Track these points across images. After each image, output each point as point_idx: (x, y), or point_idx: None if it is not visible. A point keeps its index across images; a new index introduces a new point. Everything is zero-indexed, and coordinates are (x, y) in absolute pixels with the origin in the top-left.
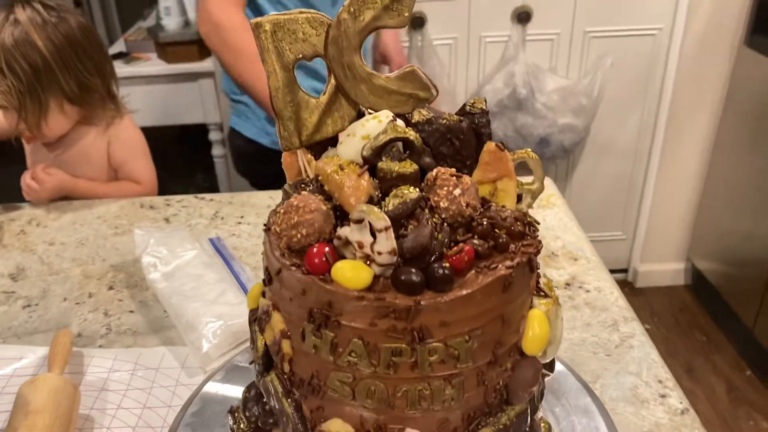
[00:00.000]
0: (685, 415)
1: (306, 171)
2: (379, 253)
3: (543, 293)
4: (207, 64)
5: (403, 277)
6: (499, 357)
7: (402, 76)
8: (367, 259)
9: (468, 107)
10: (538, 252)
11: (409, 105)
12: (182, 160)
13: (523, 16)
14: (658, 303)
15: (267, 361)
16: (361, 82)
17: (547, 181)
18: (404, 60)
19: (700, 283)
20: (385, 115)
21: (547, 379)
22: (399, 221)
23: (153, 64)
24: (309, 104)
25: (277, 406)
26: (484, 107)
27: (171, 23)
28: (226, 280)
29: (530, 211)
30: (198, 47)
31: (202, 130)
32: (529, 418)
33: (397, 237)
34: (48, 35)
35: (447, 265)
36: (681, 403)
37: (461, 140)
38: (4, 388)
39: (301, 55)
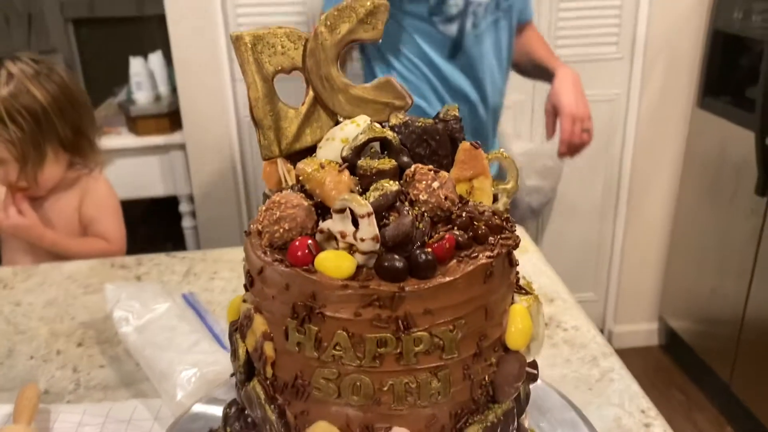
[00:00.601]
0: None
1: (286, 180)
2: (362, 240)
3: (524, 291)
4: (177, 137)
5: (386, 264)
6: (483, 350)
7: (378, 86)
8: (350, 248)
9: (442, 115)
10: (517, 246)
11: (385, 114)
12: (152, 232)
13: None
14: (633, 364)
15: (249, 369)
16: (338, 92)
17: (519, 230)
18: (577, 113)
19: (673, 342)
20: (363, 119)
21: (531, 395)
22: (380, 213)
23: (123, 138)
24: (288, 114)
25: (259, 415)
26: (457, 114)
27: (142, 97)
28: (200, 331)
29: None
30: (169, 120)
31: (172, 202)
32: (516, 420)
33: (379, 228)
34: (42, 84)
35: (429, 251)
36: (664, 429)
37: (437, 141)
38: None
39: (280, 68)
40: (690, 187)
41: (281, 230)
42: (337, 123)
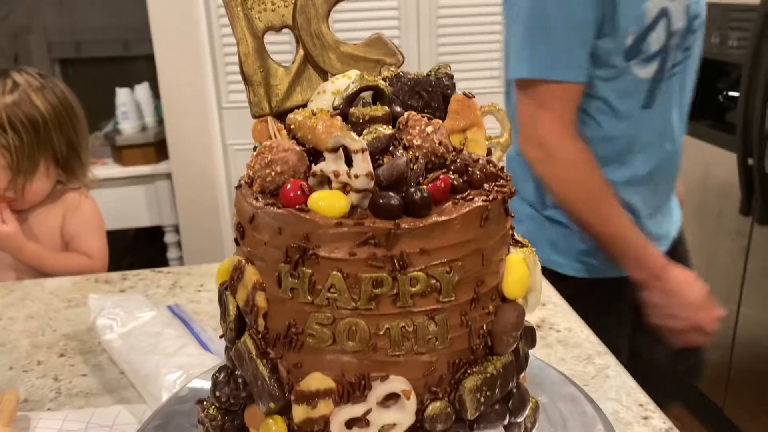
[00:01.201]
0: None
1: (276, 138)
2: (356, 177)
3: (520, 244)
4: (163, 166)
5: (381, 201)
6: (481, 297)
7: (368, 42)
8: (344, 188)
9: (433, 72)
10: (512, 195)
11: (376, 71)
12: (136, 263)
13: None
14: None
15: (239, 326)
16: (329, 50)
17: None
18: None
19: None
20: (354, 73)
21: (529, 372)
22: (374, 157)
23: (108, 168)
24: (278, 73)
25: (250, 372)
26: (449, 72)
27: (128, 127)
28: (185, 337)
29: None
30: (155, 149)
31: (157, 233)
32: (516, 378)
33: (374, 170)
34: (45, 96)
35: (425, 188)
36: (664, 423)
37: (429, 93)
38: None
39: (270, 24)
40: None
41: (273, 173)
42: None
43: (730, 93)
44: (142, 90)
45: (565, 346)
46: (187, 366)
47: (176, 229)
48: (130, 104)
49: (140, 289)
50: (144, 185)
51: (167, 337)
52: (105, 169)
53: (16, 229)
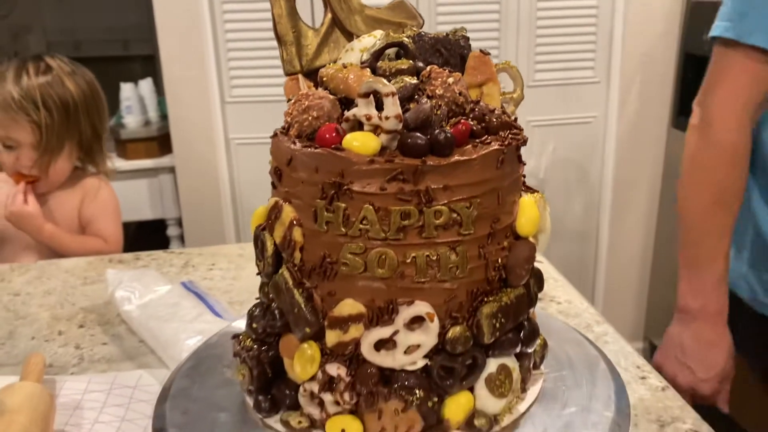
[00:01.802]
0: (667, 391)
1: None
2: (387, 118)
3: (532, 190)
4: (166, 160)
5: (409, 141)
6: (496, 232)
7: (391, 6)
8: (375, 131)
9: (450, 35)
10: (524, 142)
11: (398, 32)
12: None
13: None
14: None
15: (277, 261)
16: (355, 13)
17: None
18: None
19: None
20: (379, 32)
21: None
22: (401, 104)
23: (112, 162)
24: (308, 34)
25: (287, 302)
26: (465, 34)
27: (132, 121)
28: (201, 307)
29: None
30: (158, 143)
31: (159, 226)
32: (527, 309)
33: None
34: (76, 81)
35: (449, 129)
36: (661, 382)
37: (449, 50)
38: None
39: None
40: (669, 206)
41: (310, 118)
42: None
43: None
44: (146, 85)
45: (566, 316)
46: (206, 332)
47: (179, 222)
48: (134, 99)
49: (153, 268)
50: (147, 179)
51: (184, 307)
52: (109, 162)
53: (37, 209)
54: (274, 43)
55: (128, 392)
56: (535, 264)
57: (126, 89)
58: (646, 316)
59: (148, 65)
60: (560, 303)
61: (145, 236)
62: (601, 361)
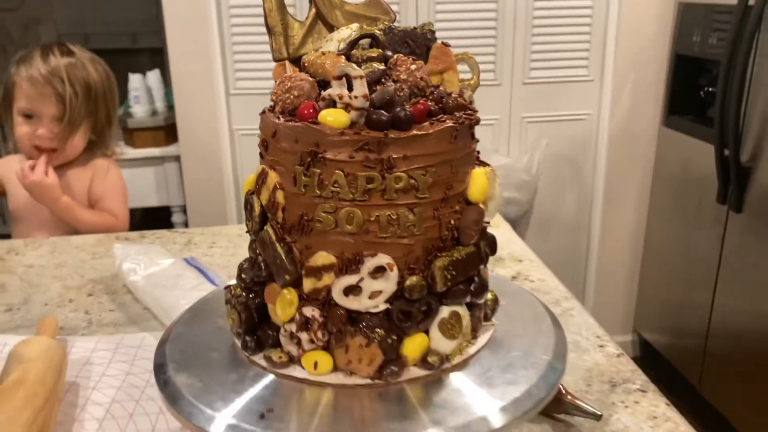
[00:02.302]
0: (621, 357)
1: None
2: (356, 97)
3: (484, 164)
4: (172, 149)
5: (374, 117)
6: (449, 198)
7: (367, 3)
8: (346, 108)
9: (419, 29)
10: (477, 122)
11: (373, 25)
12: None
13: None
14: None
15: (262, 219)
16: (336, 8)
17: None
18: None
19: (647, 353)
20: (355, 25)
21: (492, 283)
22: (370, 86)
23: (120, 149)
24: (294, 26)
25: (271, 255)
26: (432, 29)
27: (139, 111)
28: (202, 279)
29: None
30: (164, 133)
31: (164, 213)
32: (476, 266)
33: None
34: (96, 66)
35: (408, 108)
36: (617, 350)
37: (415, 42)
38: None
39: None
40: (660, 202)
41: (291, 97)
42: None
43: (711, 89)
44: (154, 77)
45: (537, 292)
46: None
47: (183, 210)
48: (141, 89)
49: (157, 245)
50: (153, 166)
51: (185, 277)
52: (117, 148)
53: (56, 180)
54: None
55: (132, 351)
56: (490, 230)
57: (134, 80)
58: (636, 309)
59: (156, 58)
60: (533, 282)
61: (151, 222)
62: (548, 317)
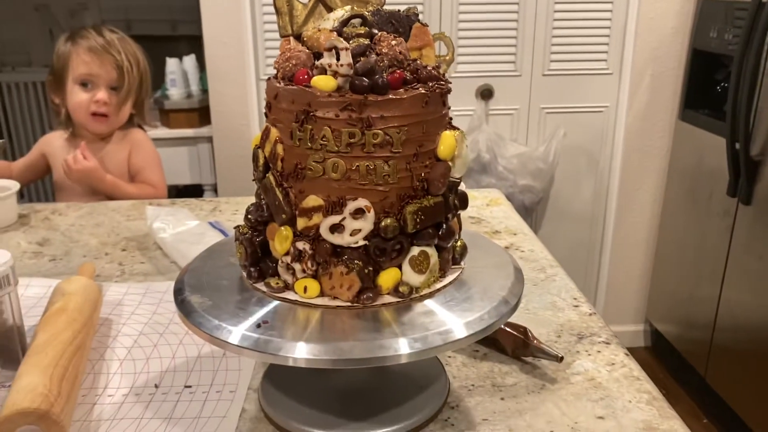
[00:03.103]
0: (593, 316)
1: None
2: (342, 66)
3: (454, 128)
4: (205, 130)
5: (356, 82)
6: (420, 154)
7: None
8: (335, 75)
9: (404, 12)
10: (449, 91)
11: (364, 8)
12: None
13: (485, 94)
14: None
15: (265, 168)
16: None
17: (497, 192)
18: None
19: (658, 342)
20: (348, 7)
21: (472, 240)
22: (355, 58)
23: (156, 130)
24: (298, 7)
25: (271, 197)
26: (416, 12)
27: (175, 93)
28: (223, 238)
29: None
30: (198, 115)
31: (197, 191)
32: (444, 214)
33: (354, 65)
34: (138, 47)
35: (385, 76)
36: (590, 310)
37: (399, 22)
38: (40, 300)
39: None
40: (673, 195)
41: (290, 65)
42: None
43: (726, 84)
44: (189, 61)
45: (526, 261)
46: None
47: (214, 188)
48: (178, 73)
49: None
50: (187, 146)
51: (209, 236)
52: (153, 130)
53: (96, 163)
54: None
55: (159, 296)
56: (461, 188)
57: (171, 63)
58: (648, 299)
59: (194, 44)
60: (524, 252)
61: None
62: (511, 265)
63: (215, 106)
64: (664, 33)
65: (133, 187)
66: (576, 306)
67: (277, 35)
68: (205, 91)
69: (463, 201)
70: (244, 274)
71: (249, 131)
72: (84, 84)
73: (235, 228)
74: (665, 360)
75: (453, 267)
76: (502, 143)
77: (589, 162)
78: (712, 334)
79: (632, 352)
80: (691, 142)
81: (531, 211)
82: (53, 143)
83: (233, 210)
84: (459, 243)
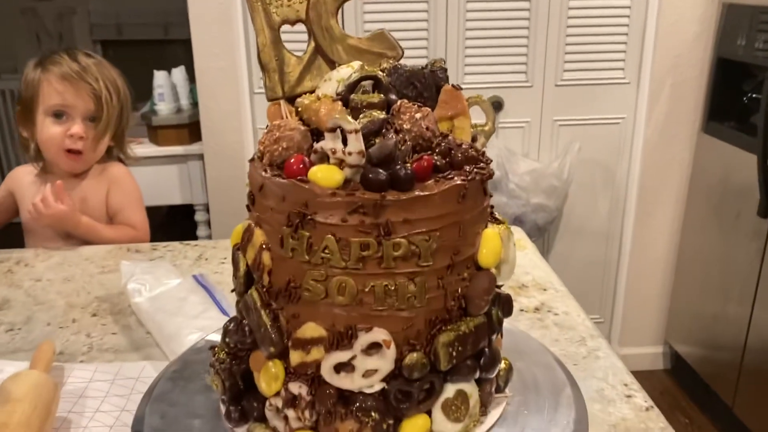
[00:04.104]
0: (650, 411)
1: (287, 119)
2: (350, 154)
3: (497, 221)
4: (196, 147)
5: (370, 176)
6: (456, 264)
7: (372, 37)
8: (340, 164)
9: (429, 66)
10: (490, 176)
11: (378, 63)
12: (168, 240)
13: (495, 106)
14: None
15: (247, 280)
16: (337, 42)
17: (520, 232)
18: None
19: (678, 366)
20: (357, 63)
21: (512, 341)
22: (368, 138)
23: (144, 147)
24: (291, 61)
25: (255, 320)
26: (443, 66)
27: (164, 108)
28: (207, 303)
29: None
30: (188, 131)
31: (188, 211)
32: (488, 337)
33: (366, 149)
34: (117, 73)
35: (409, 166)
36: (646, 401)
37: (423, 84)
38: None
39: (286, 18)
40: (695, 211)
41: (280, 149)
42: None
43: (755, 95)
44: (179, 73)
45: (561, 328)
46: (207, 328)
47: (206, 208)
48: (166, 86)
49: (168, 260)
50: (177, 164)
51: (191, 302)
52: (141, 148)
53: (72, 206)
54: (301, 36)
55: (130, 383)
56: (502, 290)
57: (159, 77)
58: (668, 320)
59: (187, 49)
60: (557, 314)
61: (175, 220)
62: (568, 387)
63: (206, 121)
64: (685, 39)
65: (111, 230)
66: (629, 396)
67: None
68: (195, 105)
69: (508, 308)
70: (222, 410)
71: (242, 149)
72: (57, 115)
73: (210, 349)
74: (686, 384)
75: (495, 396)
76: (513, 159)
77: (605, 176)
78: (741, 359)
79: (651, 375)
80: (715, 156)
81: (544, 230)
82: (22, 180)
83: (221, 258)
84: (503, 365)
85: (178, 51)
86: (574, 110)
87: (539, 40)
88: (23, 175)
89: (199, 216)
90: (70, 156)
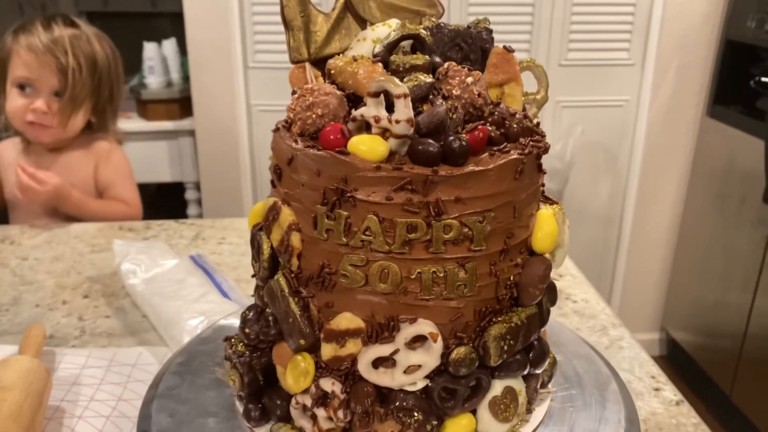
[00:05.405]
0: (681, 405)
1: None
2: (397, 122)
3: (551, 200)
4: (187, 123)
5: (420, 147)
6: (510, 248)
7: None
8: (384, 134)
9: (472, 27)
10: (546, 150)
11: (416, 22)
12: (157, 218)
13: None
14: None
15: (273, 265)
16: None
17: None
18: None
19: (675, 353)
20: (395, 22)
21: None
22: (414, 105)
23: (133, 122)
24: (318, 19)
25: (282, 309)
26: (488, 26)
27: (153, 82)
28: (207, 285)
29: None
30: (179, 106)
31: (178, 189)
32: (538, 329)
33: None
34: (101, 42)
35: (464, 137)
36: (675, 395)
37: (469, 45)
38: None
39: None
40: (697, 196)
41: (314, 116)
42: None
43: (763, 79)
44: (170, 46)
45: (581, 316)
46: (209, 312)
47: (197, 186)
48: (156, 59)
49: (163, 239)
50: (167, 141)
51: (189, 284)
52: (129, 122)
53: (59, 180)
54: None
55: (127, 370)
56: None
57: (149, 49)
58: (665, 306)
59: (176, 23)
60: (576, 302)
61: (164, 198)
62: (613, 381)
63: (198, 96)
64: (693, 20)
65: (102, 204)
66: (657, 389)
67: (269, 18)
68: (186, 79)
69: (554, 297)
70: (240, 407)
71: (235, 125)
72: (22, 87)
73: (224, 341)
74: (682, 370)
75: (540, 391)
76: None
77: (607, 159)
78: (741, 347)
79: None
80: (719, 140)
81: None
82: (4, 153)
83: (219, 238)
84: (548, 359)
85: (165, 24)
86: (577, 91)
87: (544, 17)
88: (6, 149)
89: (190, 194)
90: (35, 128)
